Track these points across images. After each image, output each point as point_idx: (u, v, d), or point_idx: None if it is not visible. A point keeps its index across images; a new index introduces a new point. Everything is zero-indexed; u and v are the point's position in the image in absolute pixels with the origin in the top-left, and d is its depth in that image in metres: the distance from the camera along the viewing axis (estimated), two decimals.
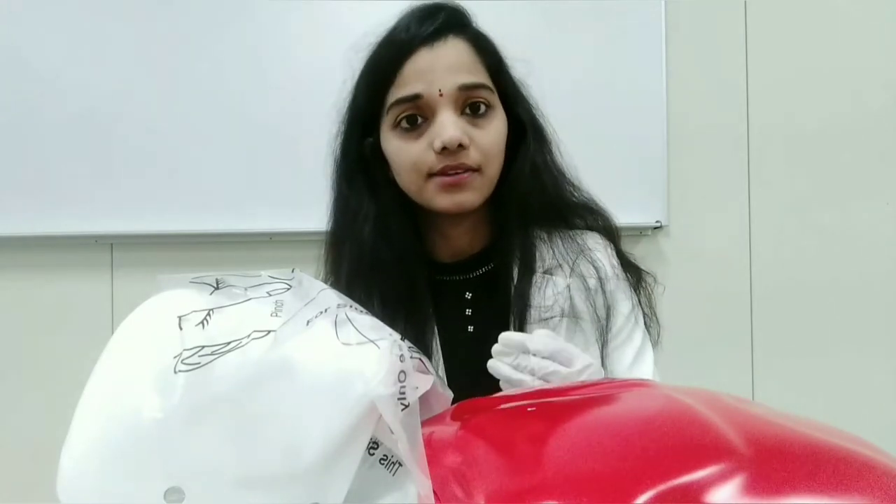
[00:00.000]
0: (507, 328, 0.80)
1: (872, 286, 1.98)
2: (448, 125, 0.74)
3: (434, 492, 0.46)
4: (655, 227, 1.90)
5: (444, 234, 0.84)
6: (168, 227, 1.78)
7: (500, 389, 0.66)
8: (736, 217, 1.97)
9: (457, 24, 0.79)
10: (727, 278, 1.96)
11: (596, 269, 0.82)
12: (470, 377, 0.75)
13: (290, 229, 1.75)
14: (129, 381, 0.49)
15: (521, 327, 0.79)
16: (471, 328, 0.83)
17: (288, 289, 0.57)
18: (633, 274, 0.85)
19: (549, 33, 1.83)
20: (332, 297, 0.57)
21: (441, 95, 0.75)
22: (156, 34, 1.79)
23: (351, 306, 0.57)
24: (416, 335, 0.78)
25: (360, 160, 0.82)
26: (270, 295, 0.56)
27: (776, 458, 0.39)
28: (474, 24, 0.82)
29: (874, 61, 1.98)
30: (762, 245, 1.97)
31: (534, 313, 0.79)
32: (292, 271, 0.59)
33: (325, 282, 0.87)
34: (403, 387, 0.49)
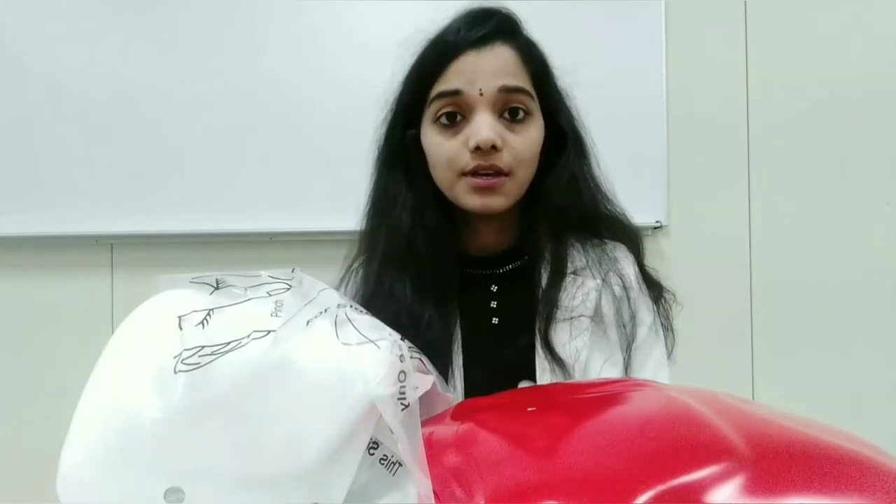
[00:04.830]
0: (532, 324, 0.81)
1: (872, 286, 1.98)
2: (483, 126, 0.76)
3: (434, 492, 0.46)
4: (655, 227, 1.90)
5: (475, 230, 0.86)
6: (168, 227, 1.78)
7: (516, 381, 0.66)
8: (736, 217, 1.97)
9: (506, 30, 0.81)
10: (727, 278, 1.96)
11: (621, 277, 0.84)
12: (489, 367, 0.78)
13: (290, 229, 1.75)
14: (129, 381, 0.49)
15: (547, 326, 0.80)
16: (495, 320, 0.84)
17: (288, 289, 0.57)
18: (654, 289, 0.87)
19: (548, 33, 1.83)
20: (332, 297, 0.57)
21: (481, 95, 0.77)
22: (157, 34, 1.79)
23: (351, 306, 0.57)
24: (440, 323, 0.80)
25: (401, 150, 0.84)
26: (270, 295, 0.56)
27: (776, 458, 0.39)
28: (524, 32, 0.84)
29: (873, 62, 1.98)
30: (762, 245, 1.97)
31: (560, 313, 0.80)
32: (292, 271, 0.59)
33: (354, 260, 0.90)
34: (403, 387, 0.49)
